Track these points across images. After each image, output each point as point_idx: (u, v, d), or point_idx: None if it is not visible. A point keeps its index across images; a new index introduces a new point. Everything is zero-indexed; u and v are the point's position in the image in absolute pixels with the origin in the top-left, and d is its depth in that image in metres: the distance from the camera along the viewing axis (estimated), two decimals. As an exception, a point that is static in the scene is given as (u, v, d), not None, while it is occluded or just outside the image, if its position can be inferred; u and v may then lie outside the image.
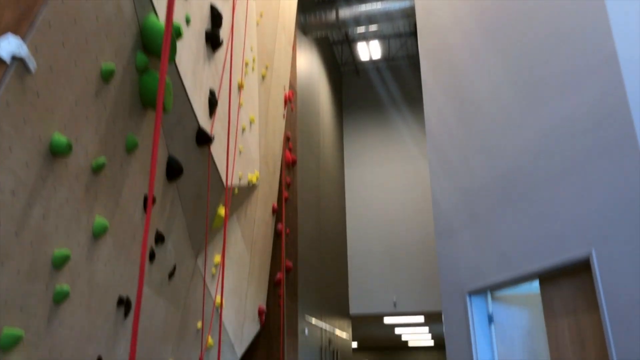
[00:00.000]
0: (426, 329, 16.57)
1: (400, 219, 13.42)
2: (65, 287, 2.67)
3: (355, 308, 12.95)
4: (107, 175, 3.01)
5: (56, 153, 2.43)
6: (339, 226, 12.85)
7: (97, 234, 2.98)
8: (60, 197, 2.56)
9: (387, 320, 14.01)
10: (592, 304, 3.83)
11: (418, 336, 18.95)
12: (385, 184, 13.95)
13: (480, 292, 4.99)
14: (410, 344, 22.58)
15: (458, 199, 5.49)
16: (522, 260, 4.40)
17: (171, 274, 4.42)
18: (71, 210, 2.67)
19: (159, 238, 4.01)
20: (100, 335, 3.33)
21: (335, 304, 11.48)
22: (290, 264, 8.21)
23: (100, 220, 2.98)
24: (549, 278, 4.25)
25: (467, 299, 5.08)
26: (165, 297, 4.41)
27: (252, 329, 7.03)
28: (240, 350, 6.58)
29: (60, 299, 2.64)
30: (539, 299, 4.98)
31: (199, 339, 5.22)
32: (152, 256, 3.93)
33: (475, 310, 5.05)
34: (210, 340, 5.67)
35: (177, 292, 4.71)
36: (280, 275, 7.87)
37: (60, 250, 2.61)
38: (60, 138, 2.43)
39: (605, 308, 3.48)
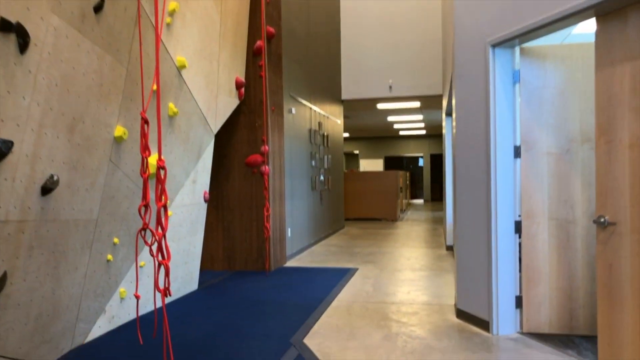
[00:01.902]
0: (420, 116, 16.03)
1: (400, -8, 11.74)
2: None
3: (348, 93, 12.07)
4: None
5: None
6: (331, -1, 11.24)
7: None
8: None
9: (381, 106, 13.29)
10: (674, 39, 2.79)
11: (411, 124, 18.58)
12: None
13: (507, 43, 3.92)
14: (402, 133, 22.49)
15: None
16: (576, -10, 3.23)
17: (98, 8, 3.25)
18: None
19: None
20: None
21: (326, 87, 10.53)
22: (272, 29, 6.96)
23: None
24: (611, 11, 3.13)
25: (490, 52, 4.03)
26: (93, 40, 3.31)
27: (228, 103, 6.12)
28: (215, 125, 5.75)
29: None
30: (582, 49, 3.94)
31: (155, 103, 4.26)
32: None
33: (498, 67, 4.04)
34: (173, 107, 4.74)
35: (115, 39, 3.59)
36: (260, 42, 6.69)
37: None
38: None
39: None
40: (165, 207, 2.61)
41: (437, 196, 24.11)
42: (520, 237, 4.02)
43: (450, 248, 8.47)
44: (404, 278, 6.22)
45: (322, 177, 9.89)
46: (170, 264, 5.16)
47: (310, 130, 9.07)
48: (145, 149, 2.96)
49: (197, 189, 5.57)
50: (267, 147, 6.71)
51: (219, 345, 3.79)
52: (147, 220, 2.89)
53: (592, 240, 3.86)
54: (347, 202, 14.37)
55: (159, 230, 2.58)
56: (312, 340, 3.88)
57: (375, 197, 14.30)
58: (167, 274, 2.59)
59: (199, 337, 4.01)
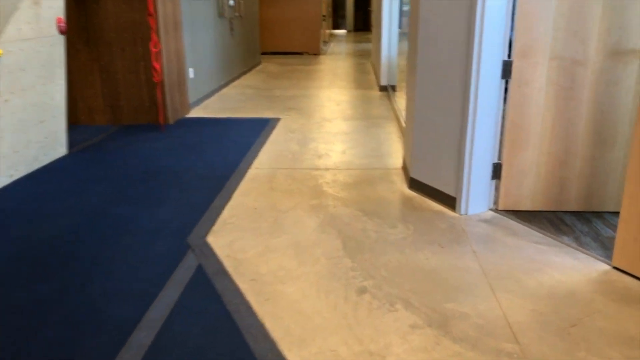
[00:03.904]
0: None
1: None
2: None
3: None
4: None
5: None
6: None
7: None
8: None
9: None
10: None
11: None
12: None
13: None
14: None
15: None
16: None
17: None
18: None
19: None
20: None
21: None
22: None
23: None
24: None
25: None
26: None
27: None
28: None
29: None
30: None
31: None
32: None
33: None
34: None
35: None
36: None
37: None
38: None
39: None
40: None
41: (360, 26, 22.44)
42: (508, 83, 2.88)
43: (384, 89, 7.34)
44: (336, 130, 5.08)
45: (231, 1, 8.04)
46: (19, 125, 3.64)
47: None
48: None
49: (43, 15, 3.82)
50: (150, -45, 4.83)
51: (79, 254, 2.56)
52: None
53: (605, 88, 2.80)
54: (263, 33, 12.55)
55: None
56: (220, 238, 2.74)
57: (295, 26, 12.55)
58: None
59: (53, 236, 2.74)
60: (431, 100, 3.16)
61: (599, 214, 2.97)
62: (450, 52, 2.96)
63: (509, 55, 2.84)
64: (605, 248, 2.57)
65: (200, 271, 2.38)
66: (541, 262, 2.44)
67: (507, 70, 2.84)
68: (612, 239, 2.66)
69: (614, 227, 2.79)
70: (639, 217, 2.24)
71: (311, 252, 2.56)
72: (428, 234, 2.77)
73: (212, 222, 2.94)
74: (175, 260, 2.49)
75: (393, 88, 7.20)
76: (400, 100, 6.05)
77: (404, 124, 4.83)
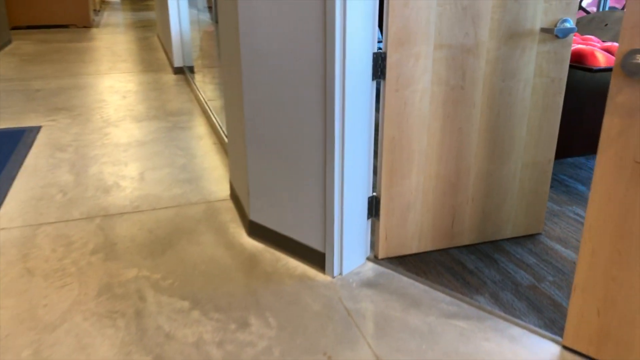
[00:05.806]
0: None
1: None
2: None
3: None
4: None
5: None
6: None
7: None
8: None
9: None
10: None
11: None
12: None
13: None
14: None
15: None
16: None
17: None
18: None
19: None
20: None
21: None
22: None
23: None
24: None
25: None
26: None
27: None
28: None
29: None
30: None
31: None
32: None
33: None
34: None
35: None
36: None
37: None
38: None
39: None
40: None
41: (138, -9, 19.96)
42: (381, 85, 1.99)
43: (180, 71, 6.04)
44: (126, 140, 3.74)
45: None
46: None
47: None
48: None
49: None
50: None
51: None
52: None
53: (501, 83, 2.09)
54: (12, 2, 9.92)
55: None
56: None
57: (55, -7, 10.18)
58: None
59: None
60: (270, 111, 2.13)
61: (497, 245, 2.32)
62: (296, 39, 1.94)
63: (380, 44, 1.94)
64: (534, 308, 1.89)
65: None
66: (473, 357, 1.65)
67: (379, 66, 1.94)
68: (534, 288, 2.01)
69: (525, 266, 2.16)
70: (603, 283, 1.57)
71: None
72: (301, 331, 1.78)
73: None
74: None
75: (191, 70, 5.95)
76: (204, 86, 4.88)
77: (217, 123, 3.72)
